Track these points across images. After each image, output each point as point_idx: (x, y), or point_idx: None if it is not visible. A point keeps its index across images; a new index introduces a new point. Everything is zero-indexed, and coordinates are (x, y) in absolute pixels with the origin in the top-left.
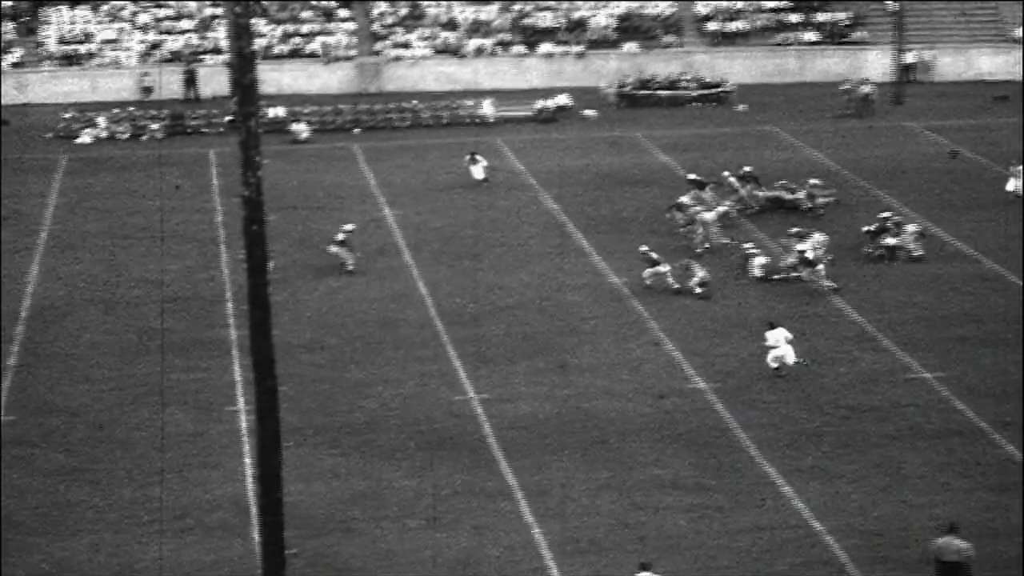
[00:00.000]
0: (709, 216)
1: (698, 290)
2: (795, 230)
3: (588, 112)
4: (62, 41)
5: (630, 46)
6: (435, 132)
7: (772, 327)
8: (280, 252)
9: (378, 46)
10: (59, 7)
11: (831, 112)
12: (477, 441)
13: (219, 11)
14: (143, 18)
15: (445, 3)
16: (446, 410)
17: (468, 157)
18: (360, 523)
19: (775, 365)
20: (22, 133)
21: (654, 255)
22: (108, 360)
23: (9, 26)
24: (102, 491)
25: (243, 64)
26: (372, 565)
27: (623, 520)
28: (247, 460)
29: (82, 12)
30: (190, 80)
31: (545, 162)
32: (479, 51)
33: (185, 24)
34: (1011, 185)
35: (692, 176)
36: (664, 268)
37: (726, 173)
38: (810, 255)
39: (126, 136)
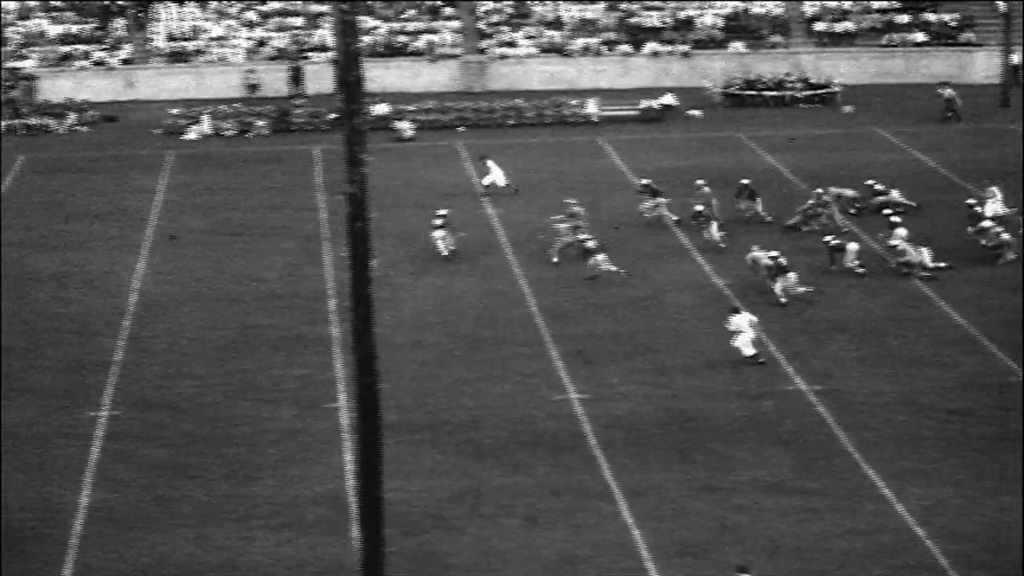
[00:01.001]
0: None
1: (800, 290)
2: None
3: (693, 112)
4: (171, 38)
5: (736, 46)
6: (539, 131)
7: (736, 312)
8: (383, 250)
9: (483, 44)
10: (169, 4)
11: (935, 115)
12: (576, 440)
13: (325, 7)
14: (250, 15)
15: (551, 2)
16: (546, 409)
17: (480, 160)
18: (459, 521)
19: (749, 352)
20: (131, 129)
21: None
22: (210, 356)
23: (120, 23)
24: (203, 486)
25: (349, 61)
26: (470, 563)
27: (721, 522)
28: (347, 457)
29: (191, 9)
30: (296, 77)
31: (648, 162)
32: (585, 50)
33: (292, 21)
34: (989, 210)
35: (645, 181)
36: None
37: (700, 182)
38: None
39: (232, 133)
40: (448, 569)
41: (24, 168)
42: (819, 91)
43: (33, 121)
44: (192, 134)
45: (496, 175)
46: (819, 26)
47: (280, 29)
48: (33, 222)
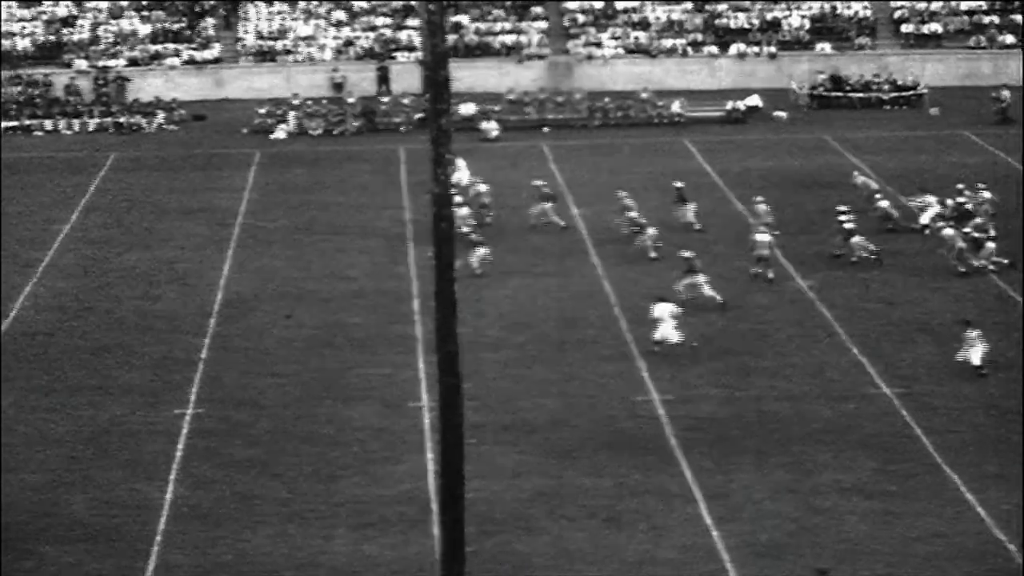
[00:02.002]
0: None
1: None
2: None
3: (779, 113)
4: (259, 37)
5: (823, 47)
6: (624, 132)
7: (661, 300)
8: (468, 250)
9: (570, 45)
10: (258, 3)
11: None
12: (657, 442)
13: (413, 4)
14: (338, 15)
15: (638, 3)
16: (627, 410)
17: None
18: (539, 521)
19: (676, 340)
20: (219, 128)
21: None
22: (294, 354)
23: (209, 22)
24: (285, 484)
25: (436, 61)
26: (550, 563)
27: (802, 524)
28: (429, 456)
29: (279, 8)
30: (383, 77)
31: (733, 163)
32: (671, 51)
33: (379, 21)
34: (925, 218)
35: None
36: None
37: (622, 193)
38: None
39: (318, 132)
40: (527, 569)
41: (114, 166)
42: (906, 93)
43: (123, 120)
44: (279, 133)
45: (463, 173)
46: (906, 27)
47: (367, 29)
48: (123, 220)
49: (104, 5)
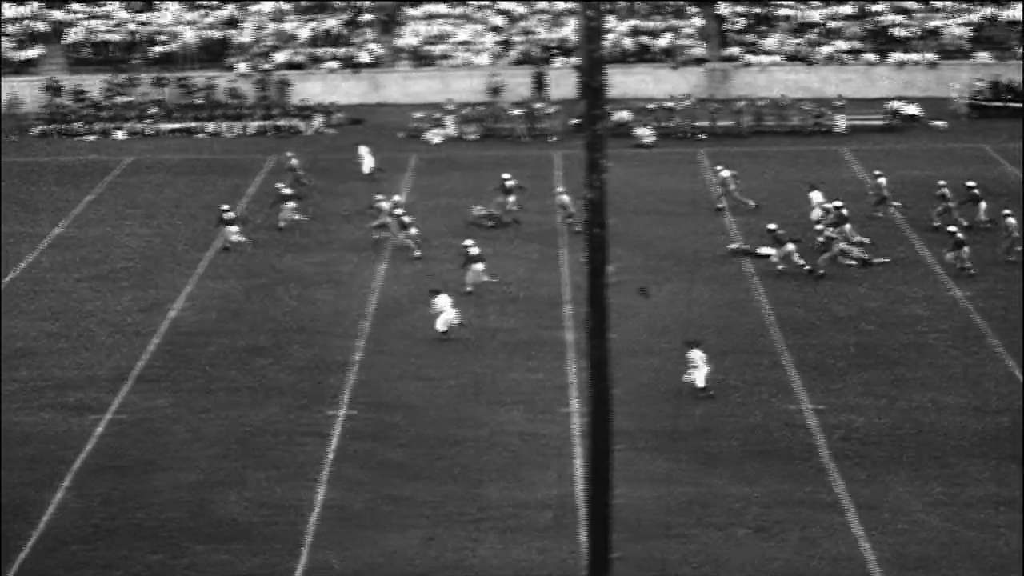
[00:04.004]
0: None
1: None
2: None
3: (937, 122)
4: (417, 42)
5: (983, 56)
6: (780, 139)
7: (436, 293)
8: (620, 256)
9: (727, 51)
10: (415, 8)
11: None
12: (809, 452)
13: (571, 5)
14: (496, 20)
15: (796, 10)
16: (779, 419)
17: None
18: (687, 529)
19: (443, 329)
20: (375, 132)
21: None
22: (446, 358)
23: (368, 27)
24: (434, 487)
25: (593, 67)
26: (697, 571)
27: (954, 537)
28: (577, 462)
29: (437, 12)
30: (539, 83)
31: (890, 172)
32: (829, 58)
33: (536, 26)
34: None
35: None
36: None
37: (561, 195)
38: None
39: (474, 137)
40: None
41: (274, 168)
42: None
43: (282, 123)
44: (435, 137)
45: (367, 162)
46: None
47: (525, 33)
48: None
49: (268, 7)
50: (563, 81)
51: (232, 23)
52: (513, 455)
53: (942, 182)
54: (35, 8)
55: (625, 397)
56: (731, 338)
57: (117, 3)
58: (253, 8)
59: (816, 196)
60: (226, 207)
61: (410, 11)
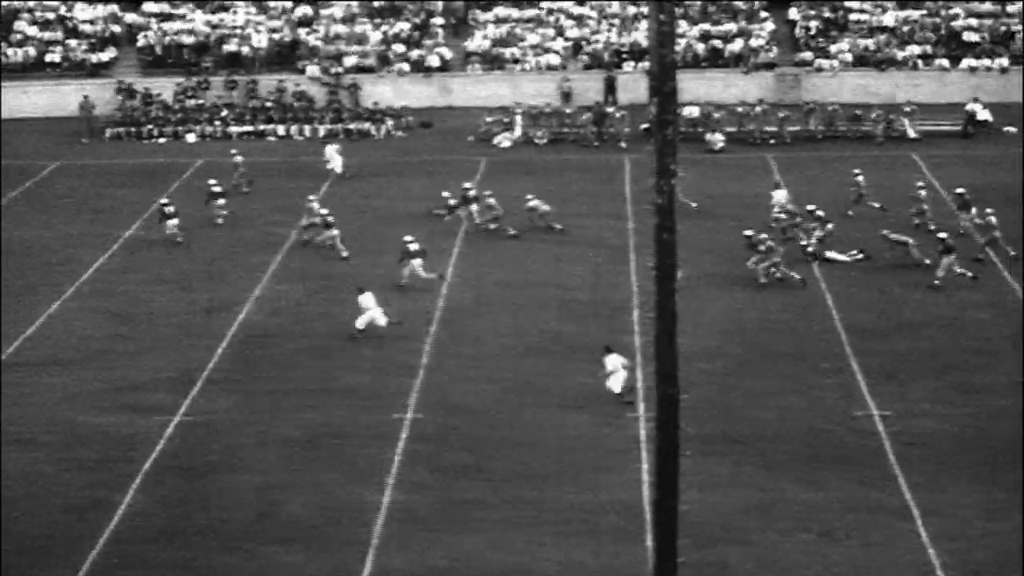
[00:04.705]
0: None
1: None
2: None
3: (1009, 128)
4: (487, 45)
5: None
6: (851, 145)
7: (362, 291)
8: (689, 261)
9: (799, 56)
10: (487, 11)
11: None
12: (875, 457)
13: (643, 9)
14: (567, 24)
15: (868, 14)
16: (845, 424)
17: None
18: (752, 534)
19: (361, 327)
20: (445, 135)
21: None
22: (512, 361)
23: (439, 29)
24: (499, 491)
25: (664, 72)
26: None
27: (1021, 546)
28: (644, 466)
29: (507, 14)
30: (610, 87)
31: (960, 178)
32: (901, 63)
33: (608, 30)
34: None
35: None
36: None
37: (447, 198)
38: None
39: (544, 141)
40: None
41: (344, 172)
42: None
43: (352, 126)
44: (505, 141)
45: (335, 162)
46: None
47: (595, 34)
48: (349, 225)
49: (339, 11)
50: (633, 85)
51: (305, 23)
52: (579, 459)
53: (920, 183)
54: (109, 11)
55: (691, 401)
56: (798, 342)
57: (192, 3)
58: (325, 13)
59: (779, 196)
60: (165, 200)
61: (480, 14)
